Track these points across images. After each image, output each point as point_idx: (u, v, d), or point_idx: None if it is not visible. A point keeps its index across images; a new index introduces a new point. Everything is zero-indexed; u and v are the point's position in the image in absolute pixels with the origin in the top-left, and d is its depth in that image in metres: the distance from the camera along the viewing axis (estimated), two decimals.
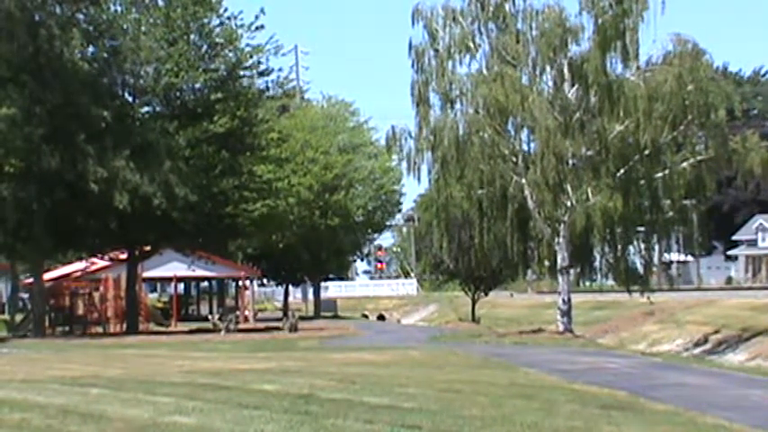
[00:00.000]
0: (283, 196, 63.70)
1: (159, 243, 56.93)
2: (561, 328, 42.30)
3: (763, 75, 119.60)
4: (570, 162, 41.23)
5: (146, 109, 54.02)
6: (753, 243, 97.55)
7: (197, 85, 53.33)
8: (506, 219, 42.82)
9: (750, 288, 73.61)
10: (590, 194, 41.70)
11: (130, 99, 53.34)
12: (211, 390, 18.48)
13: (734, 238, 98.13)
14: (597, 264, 44.70)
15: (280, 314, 75.76)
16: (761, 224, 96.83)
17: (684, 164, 41.68)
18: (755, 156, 41.05)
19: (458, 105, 43.52)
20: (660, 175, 41.63)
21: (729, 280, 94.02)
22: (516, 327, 53.03)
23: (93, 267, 62.98)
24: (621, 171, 41.53)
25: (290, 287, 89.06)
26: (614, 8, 40.79)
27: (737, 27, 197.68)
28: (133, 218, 48.76)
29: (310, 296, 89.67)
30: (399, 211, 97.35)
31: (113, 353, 34.66)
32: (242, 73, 54.72)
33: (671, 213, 42.80)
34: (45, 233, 48.54)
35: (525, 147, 43.26)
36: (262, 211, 55.70)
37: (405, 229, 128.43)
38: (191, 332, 53.53)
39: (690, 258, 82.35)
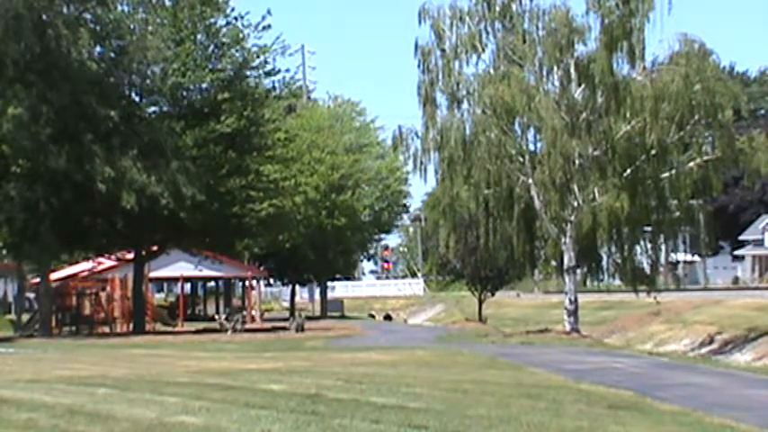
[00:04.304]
0: (290, 196, 63.81)
1: (166, 243, 57.01)
2: (568, 327, 42.27)
3: None
4: (577, 162, 41.19)
5: (153, 109, 54.11)
6: (759, 243, 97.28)
7: (204, 85, 53.44)
8: (513, 219, 42.81)
9: (757, 288, 73.31)
10: (597, 194, 41.69)
11: (137, 99, 53.46)
12: (218, 389, 18.50)
13: (740, 238, 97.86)
14: (604, 264, 44.70)
15: (286, 314, 75.80)
16: (767, 224, 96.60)
17: (691, 164, 41.62)
18: (762, 156, 40.95)
19: (464, 105, 43.55)
20: (667, 175, 41.61)
21: (736, 280, 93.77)
22: (523, 327, 53.00)
23: (100, 267, 63.05)
24: (628, 171, 41.50)
25: (297, 287, 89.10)
26: (621, 8, 40.76)
27: (744, 27, 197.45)
28: (140, 218, 48.86)
29: (317, 296, 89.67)
30: (406, 210, 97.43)
31: (120, 353, 34.71)
32: (249, 73, 54.85)
33: (677, 213, 42.77)
34: (52, 233, 48.56)
35: (532, 147, 43.27)
36: (269, 210, 55.80)
37: (411, 229, 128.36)
38: (197, 332, 53.56)
39: (696, 258, 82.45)
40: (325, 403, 16.15)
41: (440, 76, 43.08)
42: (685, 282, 79.00)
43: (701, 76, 40.19)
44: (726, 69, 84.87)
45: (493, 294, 64.55)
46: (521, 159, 42.75)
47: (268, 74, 55.70)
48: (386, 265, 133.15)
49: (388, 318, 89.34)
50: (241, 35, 53.90)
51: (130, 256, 56.75)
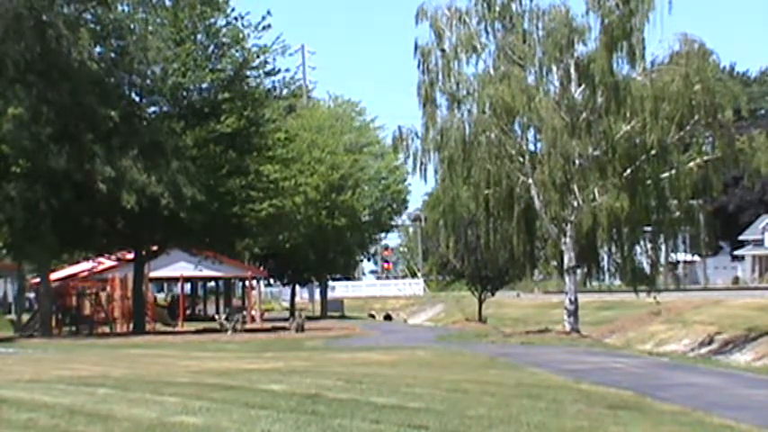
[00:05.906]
0: (290, 196, 63.81)
1: (166, 243, 57.02)
2: (568, 328, 42.25)
3: None
4: (577, 162, 41.17)
5: (153, 109, 54.15)
6: (759, 243, 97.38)
7: (204, 85, 53.47)
8: (513, 219, 42.76)
9: (757, 288, 73.33)
10: (597, 194, 41.66)
11: (138, 99, 53.48)
12: (218, 389, 18.51)
13: (740, 238, 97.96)
14: (604, 264, 44.65)
15: (286, 314, 75.80)
16: (767, 224, 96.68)
17: (691, 164, 41.61)
18: (762, 156, 40.92)
19: (464, 105, 43.49)
20: (667, 175, 41.57)
21: (736, 280, 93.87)
22: (523, 327, 52.98)
23: (100, 267, 63.08)
24: (628, 171, 41.48)
25: (297, 287, 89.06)
26: (621, 8, 40.74)
27: (744, 27, 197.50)
28: (140, 218, 48.88)
29: (317, 296, 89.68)
30: (406, 210, 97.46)
31: (120, 353, 34.72)
32: (249, 73, 54.85)
33: (677, 213, 42.73)
34: (52, 233, 48.58)
35: (532, 147, 43.20)
36: (269, 210, 55.80)
37: (411, 229, 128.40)
38: (197, 332, 53.58)
39: (696, 258, 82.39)
40: (325, 403, 16.15)
41: (440, 77, 43.06)
42: (685, 282, 79.01)
43: (701, 76, 40.18)
44: (726, 69, 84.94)
45: (493, 294, 64.56)
46: (521, 159, 42.73)
47: (268, 74, 55.72)
48: (386, 265, 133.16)
49: (388, 318, 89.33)
50: (241, 35, 53.90)
51: (130, 256, 56.75)
